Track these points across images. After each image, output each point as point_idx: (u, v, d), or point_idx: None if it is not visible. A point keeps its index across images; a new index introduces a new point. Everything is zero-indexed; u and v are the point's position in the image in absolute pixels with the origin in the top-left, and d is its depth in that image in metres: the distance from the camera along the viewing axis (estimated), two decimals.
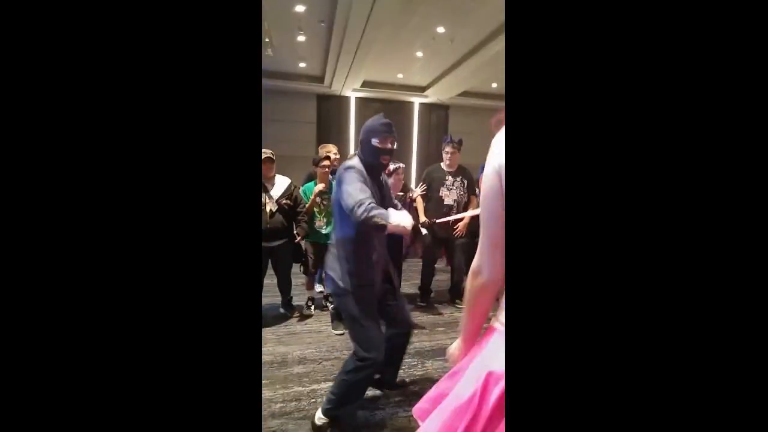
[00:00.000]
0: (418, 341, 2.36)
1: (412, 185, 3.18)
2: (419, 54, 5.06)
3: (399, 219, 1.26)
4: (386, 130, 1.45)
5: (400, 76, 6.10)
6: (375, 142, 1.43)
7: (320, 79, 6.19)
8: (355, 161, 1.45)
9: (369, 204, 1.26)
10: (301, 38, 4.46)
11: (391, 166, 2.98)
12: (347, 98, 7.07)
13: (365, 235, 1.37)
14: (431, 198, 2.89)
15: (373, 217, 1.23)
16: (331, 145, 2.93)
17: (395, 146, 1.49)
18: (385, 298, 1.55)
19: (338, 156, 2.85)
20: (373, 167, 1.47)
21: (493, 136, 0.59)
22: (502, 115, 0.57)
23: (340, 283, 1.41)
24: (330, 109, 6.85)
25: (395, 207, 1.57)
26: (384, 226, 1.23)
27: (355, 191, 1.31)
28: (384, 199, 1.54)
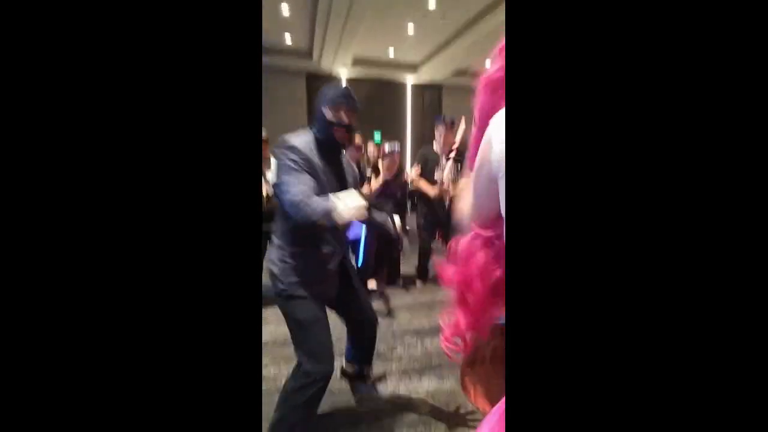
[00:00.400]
0: (416, 320, 2.39)
1: (407, 167, 3.15)
2: (410, 30, 4.91)
3: (348, 212, 1.05)
4: (340, 99, 1.16)
5: (391, 52, 5.94)
6: (326, 112, 1.16)
7: (308, 55, 5.99)
8: (299, 139, 1.15)
9: (306, 203, 1.04)
10: (285, 10, 4.28)
11: (387, 148, 2.93)
12: (337, 77, 6.89)
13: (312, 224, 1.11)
14: (427, 180, 2.87)
15: (316, 221, 1.05)
16: None
17: (353, 121, 1.19)
18: (342, 296, 1.30)
19: None
20: (327, 144, 1.18)
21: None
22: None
23: (282, 282, 1.15)
24: (320, 89, 6.67)
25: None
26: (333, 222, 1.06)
27: (289, 184, 1.07)
28: (344, 186, 1.25)
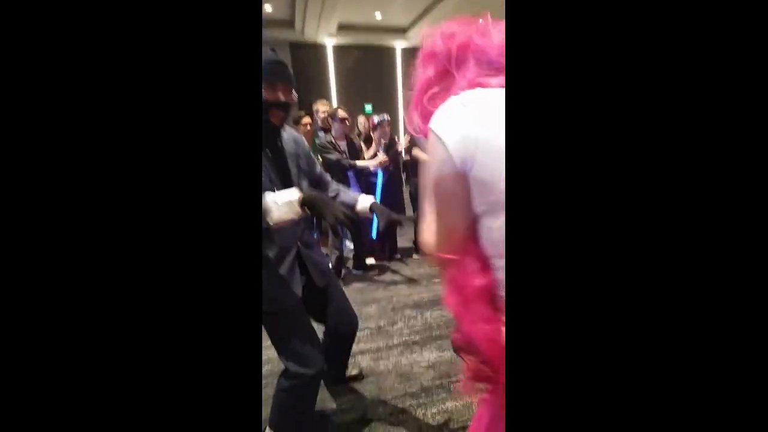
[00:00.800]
0: (416, 293, 2.43)
1: (401, 137, 3.07)
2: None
3: (278, 212, 0.88)
4: (275, 73, 0.96)
5: (378, 16, 5.63)
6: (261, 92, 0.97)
7: (290, 24, 5.68)
8: None
9: None
10: None
11: (376, 119, 2.84)
12: (323, 46, 6.58)
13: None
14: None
15: None
16: (320, 102, 2.77)
17: (294, 98, 1.02)
18: (309, 298, 1.15)
19: (325, 113, 2.68)
20: (263, 129, 1.03)
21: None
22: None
23: None
24: (306, 60, 6.39)
25: (307, 179, 1.14)
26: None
27: None
28: (285, 176, 1.07)
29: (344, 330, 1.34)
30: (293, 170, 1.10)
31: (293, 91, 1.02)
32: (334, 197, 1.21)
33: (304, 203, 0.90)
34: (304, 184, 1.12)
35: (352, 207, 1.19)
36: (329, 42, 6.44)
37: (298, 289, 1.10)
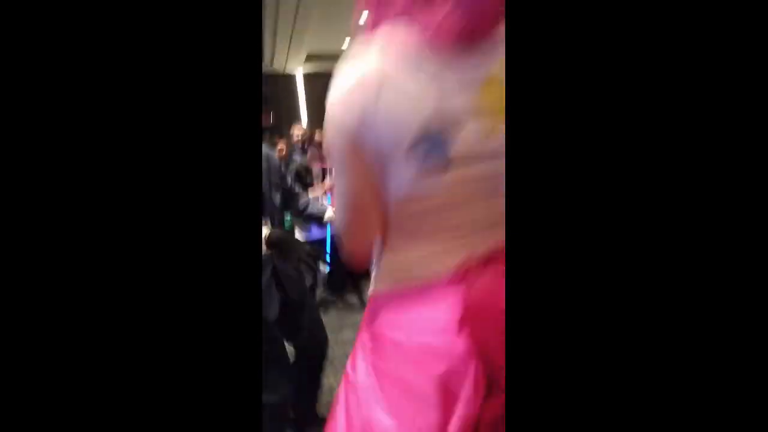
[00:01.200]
0: None
1: None
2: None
3: None
4: None
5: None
6: None
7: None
8: None
9: None
10: None
11: None
12: (292, 77, 6.70)
13: None
14: None
15: None
16: (296, 126, 2.85)
17: (268, 121, 1.17)
18: (286, 313, 1.09)
19: (299, 137, 2.72)
20: None
21: None
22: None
23: None
24: (276, 90, 6.45)
25: (279, 192, 1.21)
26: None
27: None
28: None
29: (315, 351, 1.24)
30: (266, 185, 1.16)
31: (270, 114, 1.20)
32: (304, 209, 1.31)
33: (269, 243, 0.95)
34: (277, 197, 1.22)
35: (320, 218, 1.27)
36: (299, 71, 6.55)
37: (273, 309, 1.01)
